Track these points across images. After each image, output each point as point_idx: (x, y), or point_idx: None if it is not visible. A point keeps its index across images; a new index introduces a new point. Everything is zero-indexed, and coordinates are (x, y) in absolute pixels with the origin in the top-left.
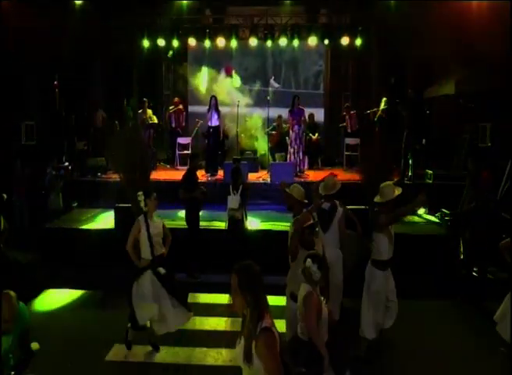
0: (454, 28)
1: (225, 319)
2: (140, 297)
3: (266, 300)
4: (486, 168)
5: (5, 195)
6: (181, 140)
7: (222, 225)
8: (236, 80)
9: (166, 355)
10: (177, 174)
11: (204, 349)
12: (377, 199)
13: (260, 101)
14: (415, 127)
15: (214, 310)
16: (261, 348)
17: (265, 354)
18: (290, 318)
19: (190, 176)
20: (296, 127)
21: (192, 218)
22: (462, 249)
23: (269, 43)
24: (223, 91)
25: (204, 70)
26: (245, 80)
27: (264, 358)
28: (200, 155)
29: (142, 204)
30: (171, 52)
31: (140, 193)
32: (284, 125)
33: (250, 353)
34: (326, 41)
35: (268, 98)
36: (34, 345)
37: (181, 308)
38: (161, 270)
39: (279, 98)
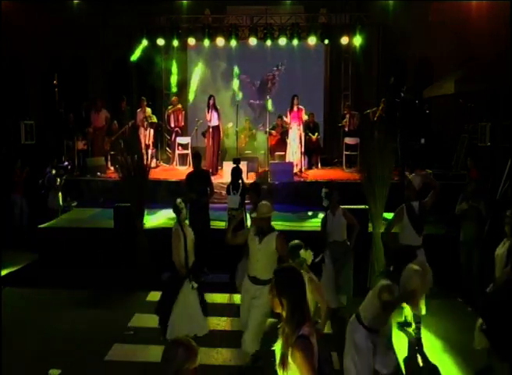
0: (454, 27)
1: (224, 318)
2: (182, 308)
3: (307, 306)
4: (476, 167)
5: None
6: (180, 139)
7: (222, 225)
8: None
9: None
10: (176, 174)
11: (204, 349)
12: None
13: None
14: (410, 127)
15: (214, 310)
16: (296, 356)
17: (301, 362)
18: None
19: (190, 177)
20: (295, 127)
21: (191, 219)
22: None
23: (269, 42)
24: (222, 91)
25: (204, 70)
26: (244, 80)
27: (299, 367)
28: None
29: (184, 213)
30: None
31: (179, 200)
32: (284, 124)
33: (285, 359)
34: (326, 41)
35: (268, 97)
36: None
37: (202, 321)
38: (194, 284)
39: (278, 98)
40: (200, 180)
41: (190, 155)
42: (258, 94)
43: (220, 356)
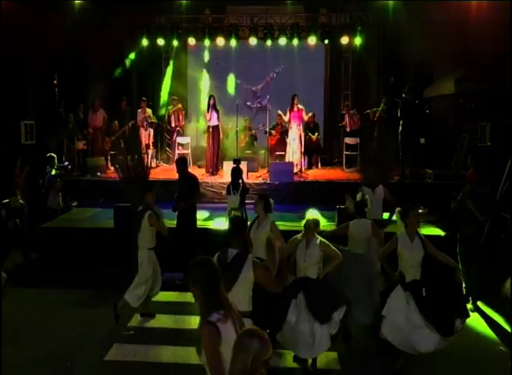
0: (454, 27)
1: None
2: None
3: (219, 296)
4: (474, 168)
5: (3, 212)
6: (180, 139)
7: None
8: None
9: (166, 354)
10: (176, 174)
11: None
12: None
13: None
14: (410, 127)
15: None
16: (202, 341)
17: (205, 347)
18: None
19: (177, 183)
20: (295, 127)
21: (178, 219)
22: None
23: (269, 42)
24: (222, 91)
25: (204, 69)
26: (244, 79)
27: (205, 352)
28: (187, 158)
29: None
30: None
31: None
32: (283, 123)
33: (199, 345)
34: (326, 41)
35: (268, 97)
36: None
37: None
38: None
39: (278, 98)
40: (186, 184)
41: (190, 155)
42: (255, 97)
43: None
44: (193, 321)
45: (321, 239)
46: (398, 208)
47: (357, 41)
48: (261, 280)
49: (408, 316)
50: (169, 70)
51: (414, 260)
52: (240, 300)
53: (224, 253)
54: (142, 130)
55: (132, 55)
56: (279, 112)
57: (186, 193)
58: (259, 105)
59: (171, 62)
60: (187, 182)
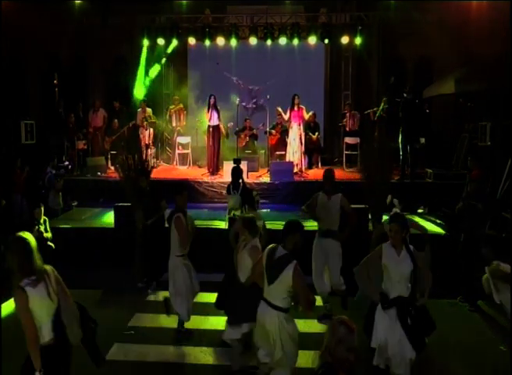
0: (454, 27)
1: (225, 318)
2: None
3: (31, 266)
4: (478, 166)
5: (3, 201)
6: (181, 139)
7: (222, 225)
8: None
9: (167, 354)
10: (177, 173)
11: (205, 348)
12: None
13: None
14: (411, 127)
15: (214, 309)
16: (14, 302)
17: (16, 308)
18: None
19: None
20: (295, 126)
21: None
22: (459, 249)
23: (269, 42)
24: (222, 90)
25: (204, 69)
26: (244, 79)
27: (17, 312)
28: (148, 165)
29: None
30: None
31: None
32: (283, 122)
33: None
34: (326, 41)
35: (268, 96)
36: None
37: None
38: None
39: (278, 98)
40: (150, 196)
41: (190, 154)
42: (250, 97)
43: (220, 356)
44: (194, 320)
45: (256, 244)
46: (396, 210)
47: (357, 40)
48: (296, 287)
49: (394, 331)
50: (156, 67)
51: (400, 275)
52: (275, 295)
53: (274, 249)
54: (142, 130)
55: (142, 68)
56: (279, 109)
57: (150, 205)
58: (254, 106)
59: (162, 61)
60: (151, 193)
